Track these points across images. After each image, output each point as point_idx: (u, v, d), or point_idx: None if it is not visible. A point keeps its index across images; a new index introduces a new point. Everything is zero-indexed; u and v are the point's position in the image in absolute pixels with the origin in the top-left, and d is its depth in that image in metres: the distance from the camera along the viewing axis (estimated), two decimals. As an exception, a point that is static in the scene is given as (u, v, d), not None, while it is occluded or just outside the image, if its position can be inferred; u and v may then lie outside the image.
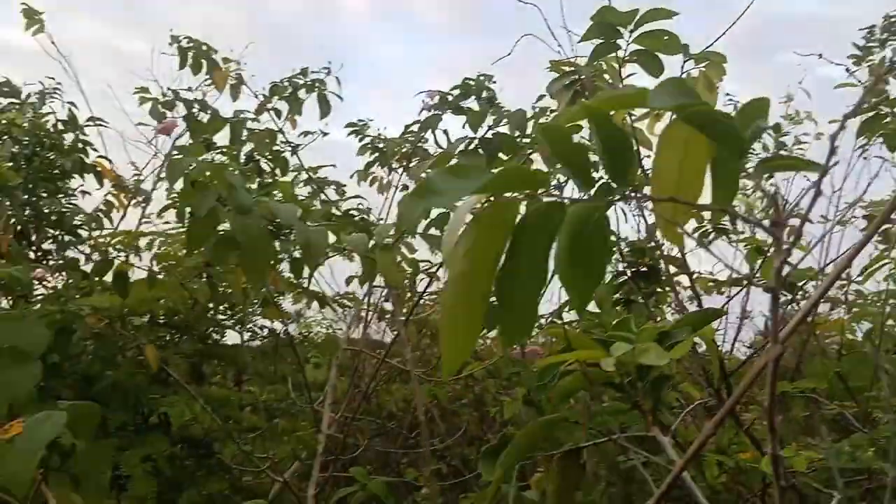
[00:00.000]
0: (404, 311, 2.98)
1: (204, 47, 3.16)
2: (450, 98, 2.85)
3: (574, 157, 0.81)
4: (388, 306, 3.42)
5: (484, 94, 2.85)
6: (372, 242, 1.66)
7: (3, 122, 2.95)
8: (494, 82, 2.90)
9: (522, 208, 0.84)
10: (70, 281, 2.19)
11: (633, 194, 0.85)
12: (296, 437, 2.75)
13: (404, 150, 3.14)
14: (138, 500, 2.21)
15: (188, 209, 1.76)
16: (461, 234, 0.82)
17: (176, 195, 2.41)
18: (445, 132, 3.19)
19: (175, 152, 2.86)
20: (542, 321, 3.31)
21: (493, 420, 3.21)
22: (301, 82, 3.41)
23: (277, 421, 2.90)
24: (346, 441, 2.77)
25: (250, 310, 3.01)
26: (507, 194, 0.82)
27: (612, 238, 2.25)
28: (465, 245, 0.82)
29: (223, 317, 2.93)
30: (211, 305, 2.87)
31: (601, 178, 0.85)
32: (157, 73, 3.44)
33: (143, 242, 2.81)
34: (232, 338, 3.31)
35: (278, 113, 3.34)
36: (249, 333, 3.33)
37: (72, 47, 3.74)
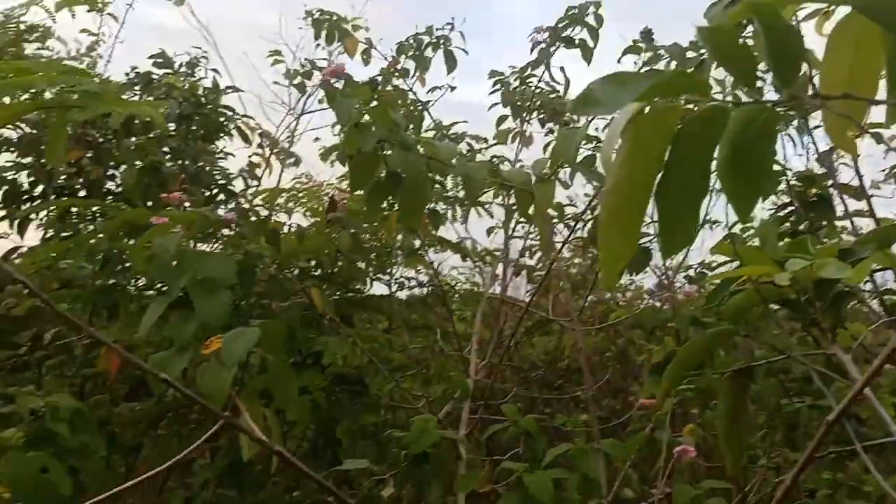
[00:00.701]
0: (548, 257, 3.03)
1: (335, 17, 3.34)
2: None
3: (740, 59, 0.81)
4: (528, 261, 3.48)
5: (592, 20, 2.76)
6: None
7: (164, 86, 3.32)
8: (601, 7, 2.79)
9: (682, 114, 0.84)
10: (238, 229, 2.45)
11: (801, 95, 0.83)
12: (447, 379, 2.91)
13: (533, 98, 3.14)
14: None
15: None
16: (619, 142, 0.84)
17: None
18: (562, 69, 3.15)
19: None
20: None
21: (639, 369, 3.20)
22: (426, 40, 3.49)
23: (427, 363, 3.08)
24: (493, 386, 2.88)
25: (394, 260, 3.19)
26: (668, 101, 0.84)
27: (778, 166, 2.15)
28: (624, 153, 0.85)
29: (369, 267, 3.12)
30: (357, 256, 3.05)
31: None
32: (290, 43, 3.71)
33: (283, 198, 3.06)
34: (380, 290, 3.53)
35: (406, 72, 3.46)
36: (397, 285, 3.52)
37: (211, 22, 4.08)
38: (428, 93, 3.53)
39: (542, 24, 2.84)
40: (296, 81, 3.50)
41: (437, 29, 3.54)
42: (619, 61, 2.70)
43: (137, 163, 2.82)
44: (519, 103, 3.34)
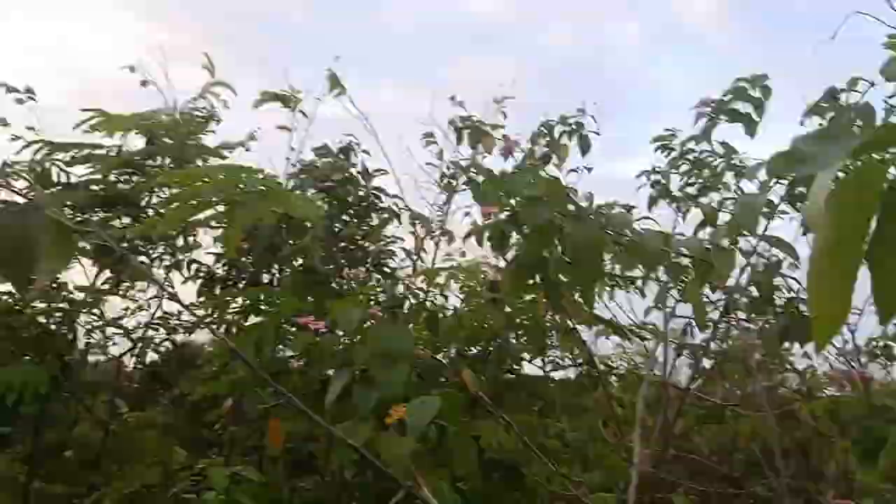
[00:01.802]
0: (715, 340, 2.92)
1: (475, 121, 3.61)
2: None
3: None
4: (693, 340, 3.37)
5: (758, 93, 2.74)
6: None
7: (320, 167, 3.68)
8: (768, 80, 2.76)
9: (893, 170, 0.85)
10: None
11: None
12: (607, 466, 2.83)
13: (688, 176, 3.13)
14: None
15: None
16: (826, 199, 0.86)
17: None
18: (724, 143, 3.11)
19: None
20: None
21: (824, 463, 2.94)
22: (561, 129, 3.63)
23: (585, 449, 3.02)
24: (659, 478, 2.77)
25: (549, 340, 3.21)
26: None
27: None
28: (832, 212, 0.86)
29: (522, 346, 3.17)
30: (511, 335, 3.12)
31: None
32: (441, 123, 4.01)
33: (442, 277, 3.19)
34: (532, 370, 3.54)
35: (547, 159, 3.59)
36: (551, 365, 3.53)
37: (371, 110, 4.46)
38: (567, 174, 3.64)
39: (708, 97, 2.87)
40: (443, 183, 3.76)
41: (570, 116, 3.67)
42: (801, 123, 2.64)
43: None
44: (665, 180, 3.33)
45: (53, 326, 3.61)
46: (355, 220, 3.51)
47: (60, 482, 4.00)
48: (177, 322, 4.46)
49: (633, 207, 3.41)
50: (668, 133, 3.35)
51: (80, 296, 3.67)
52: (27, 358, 3.45)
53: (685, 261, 1.83)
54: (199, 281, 4.32)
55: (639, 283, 3.14)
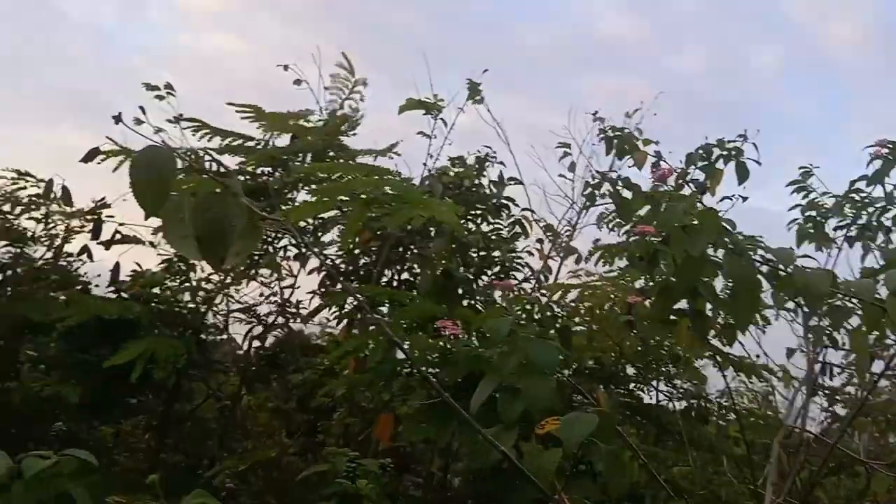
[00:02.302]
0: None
1: (625, 132, 3.55)
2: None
3: None
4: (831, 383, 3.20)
5: None
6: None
7: (453, 175, 3.76)
8: None
9: None
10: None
11: None
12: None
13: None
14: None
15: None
16: None
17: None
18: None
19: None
20: None
21: None
22: (717, 152, 3.51)
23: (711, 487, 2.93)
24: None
25: (677, 369, 3.14)
26: None
27: None
28: None
29: (651, 374, 3.12)
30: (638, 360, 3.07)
31: None
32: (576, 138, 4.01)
33: (568, 293, 3.18)
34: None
35: (696, 182, 3.48)
36: (670, 393, 3.46)
37: (504, 120, 4.50)
38: (718, 202, 3.53)
39: (885, 138, 2.75)
40: (586, 192, 3.73)
41: (728, 141, 3.55)
42: None
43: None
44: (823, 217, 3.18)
45: (192, 305, 3.87)
46: (485, 228, 3.56)
47: (181, 453, 4.29)
48: (294, 311, 4.70)
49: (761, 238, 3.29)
50: (804, 171, 3.23)
51: (214, 279, 3.92)
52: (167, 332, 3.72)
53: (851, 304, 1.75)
54: (321, 274, 4.50)
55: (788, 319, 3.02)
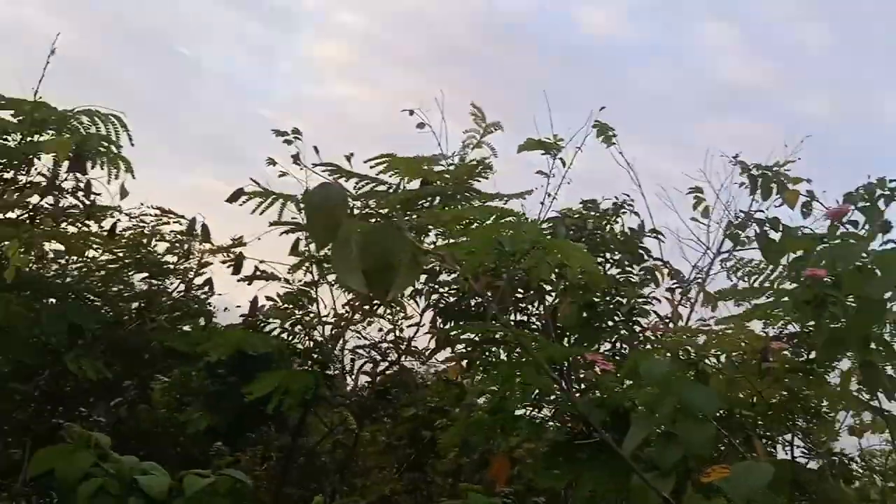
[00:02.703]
0: None
1: (772, 171, 3.43)
2: None
3: None
4: None
5: None
6: None
7: (576, 217, 3.75)
8: None
9: None
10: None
11: None
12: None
13: None
14: None
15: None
16: None
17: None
18: None
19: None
20: None
21: None
22: (878, 192, 3.33)
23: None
24: None
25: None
26: None
27: None
28: None
29: (782, 425, 2.95)
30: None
31: None
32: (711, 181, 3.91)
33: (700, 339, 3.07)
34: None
35: (855, 224, 3.31)
36: (808, 448, 3.26)
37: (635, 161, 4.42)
38: (881, 245, 3.34)
39: None
40: (729, 233, 3.64)
41: (890, 180, 3.38)
42: None
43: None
44: None
45: (321, 339, 4.00)
46: (616, 273, 3.52)
47: (300, 486, 4.40)
48: (408, 348, 4.77)
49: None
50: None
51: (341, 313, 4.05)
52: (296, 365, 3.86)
53: None
54: (435, 310, 4.53)
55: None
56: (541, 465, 2.69)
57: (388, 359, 4.57)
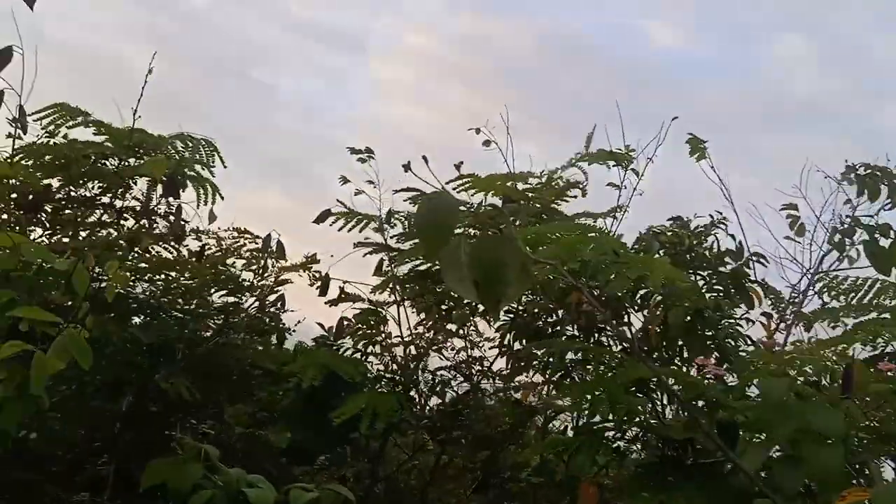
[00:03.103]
0: None
1: (884, 171, 3.28)
2: None
3: None
4: None
5: None
6: None
7: (670, 234, 3.68)
8: None
9: None
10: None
11: None
12: None
13: None
14: None
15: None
16: None
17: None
18: None
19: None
20: None
21: None
22: None
23: None
24: None
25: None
26: None
27: None
28: None
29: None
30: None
31: None
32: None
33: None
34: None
35: None
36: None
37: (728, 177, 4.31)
38: None
39: None
40: (835, 240, 3.51)
41: None
42: None
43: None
44: None
45: (401, 360, 4.03)
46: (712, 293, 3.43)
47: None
48: (483, 368, 4.74)
49: None
50: None
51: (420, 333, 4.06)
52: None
53: None
54: (509, 329, 4.49)
55: None
56: (629, 488, 2.63)
57: (467, 380, 4.54)
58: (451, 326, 4.38)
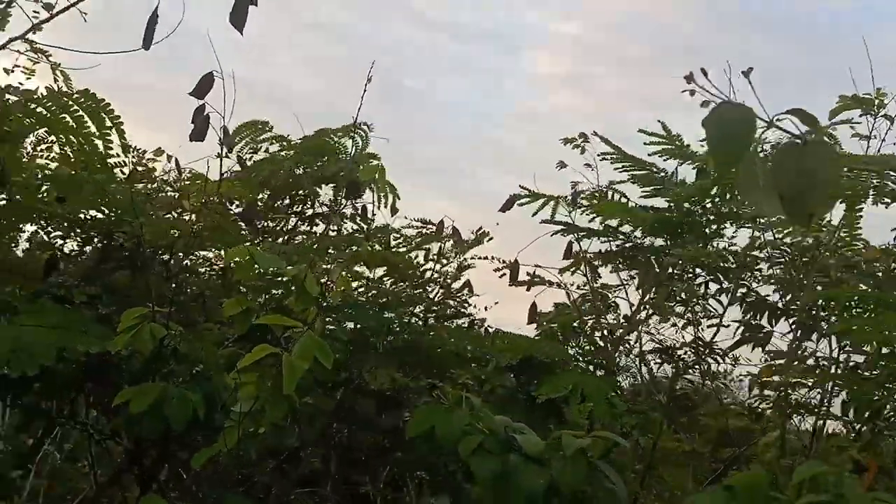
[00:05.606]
0: None
1: None
2: None
3: None
4: None
5: None
6: None
7: None
8: None
9: None
10: None
11: None
12: None
13: None
14: None
15: None
16: None
17: None
18: None
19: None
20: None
21: None
22: None
23: None
24: None
25: None
26: None
27: None
28: None
29: None
30: None
31: None
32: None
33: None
34: None
35: None
36: None
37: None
38: None
39: None
40: None
41: None
42: None
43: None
44: None
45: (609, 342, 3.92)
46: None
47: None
48: (708, 349, 4.45)
49: None
50: None
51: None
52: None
53: None
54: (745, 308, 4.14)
55: None
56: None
57: (688, 362, 4.29)
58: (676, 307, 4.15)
